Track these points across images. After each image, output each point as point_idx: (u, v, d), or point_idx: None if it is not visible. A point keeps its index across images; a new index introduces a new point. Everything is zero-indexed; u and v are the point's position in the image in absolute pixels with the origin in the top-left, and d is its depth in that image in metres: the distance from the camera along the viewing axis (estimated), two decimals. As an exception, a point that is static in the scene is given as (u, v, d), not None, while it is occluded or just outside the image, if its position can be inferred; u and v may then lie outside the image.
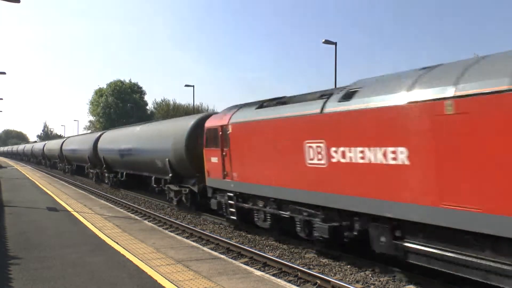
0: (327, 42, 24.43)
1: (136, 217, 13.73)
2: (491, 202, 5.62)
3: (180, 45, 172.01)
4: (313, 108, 8.86)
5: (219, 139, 12.42)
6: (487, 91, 5.66)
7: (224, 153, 12.21)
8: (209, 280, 6.50)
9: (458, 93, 6.02)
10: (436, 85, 6.46)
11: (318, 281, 7.61)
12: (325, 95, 8.92)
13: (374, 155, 7.29)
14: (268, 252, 9.94)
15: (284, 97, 11.11)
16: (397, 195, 6.94)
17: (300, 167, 9.08)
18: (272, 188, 10.15)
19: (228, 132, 11.89)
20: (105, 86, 67.17)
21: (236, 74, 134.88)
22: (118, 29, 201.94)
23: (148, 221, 13.87)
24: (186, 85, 40.90)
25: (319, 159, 8.56)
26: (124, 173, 23.79)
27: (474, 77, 5.99)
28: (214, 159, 12.87)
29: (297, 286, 7.53)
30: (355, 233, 8.16)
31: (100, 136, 28.27)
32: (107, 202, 18.09)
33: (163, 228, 12.34)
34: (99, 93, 67.42)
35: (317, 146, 8.58)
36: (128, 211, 15.81)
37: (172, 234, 10.70)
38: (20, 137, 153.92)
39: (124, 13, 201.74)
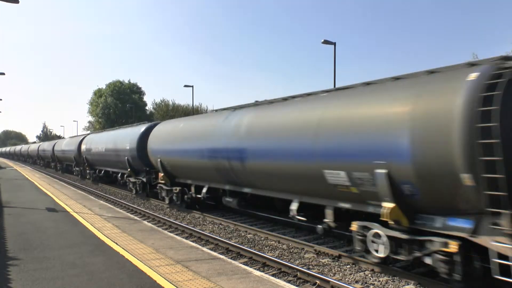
0: (326, 42, 24.42)
1: (135, 217, 13.72)
2: None
3: (179, 44, 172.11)
4: None
5: None
6: None
7: None
8: (208, 280, 6.50)
9: None
10: None
11: (318, 281, 7.62)
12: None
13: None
14: (267, 252, 9.95)
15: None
16: None
17: None
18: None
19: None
20: (104, 87, 67.19)
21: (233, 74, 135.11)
22: (117, 29, 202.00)
23: (148, 221, 13.88)
24: (185, 86, 40.99)
25: None
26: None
27: None
28: None
29: (297, 286, 7.54)
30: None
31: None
32: (106, 202, 18.08)
33: (163, 229, 12.34)
34: (98, 93, 67.36)
35: None
36: (127, 212, 15.81)
37: (171, 234, 10.70)
38: (20, 138, 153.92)
39: (123, 13, 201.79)
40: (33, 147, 69.35)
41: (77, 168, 35.90)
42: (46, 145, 54.23)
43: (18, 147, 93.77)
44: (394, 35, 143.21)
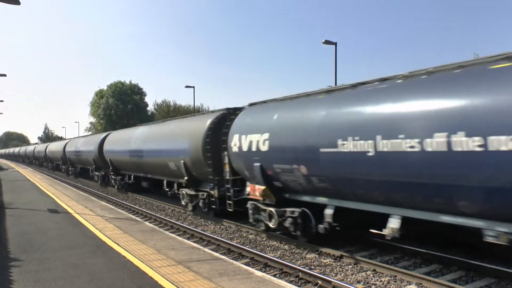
0: (327, 42, 24.40)
1: (137, 218, 13.72)
2: None
3: (180, 44, 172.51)
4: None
5: None
6: None
7: None
8: (209, 281, 6.49)
9: None
10: None
11: (319, 282, 7.60)
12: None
13: None
14: (269, 253, 9.93)
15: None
16: None
17: None
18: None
19: None
20: (105, 88, 67.28)
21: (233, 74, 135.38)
22: (118, 30, 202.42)
23: (149, 222, 13.88)
24: (187, 86, 41.00)
25: None
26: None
27: None
28: None
29: (298, 286, 7.53)
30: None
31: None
32: (108, 203, 18.09)
33: (164, 229, 12.33)
34: (100, 94, 67.45)
35: None
36: (129, 213, 15.81)
37: (172, 235, 10.69)
38: (21, 139, 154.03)
39: (124, 14, 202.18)
40: (40, 148, 58.72)
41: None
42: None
43: (29, 148, 75.74)
44: (395, 34, 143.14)
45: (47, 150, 49.80)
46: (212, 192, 14.13)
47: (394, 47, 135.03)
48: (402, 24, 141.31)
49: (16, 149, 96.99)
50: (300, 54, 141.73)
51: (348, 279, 7.92)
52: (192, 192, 15.55)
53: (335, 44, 24.61)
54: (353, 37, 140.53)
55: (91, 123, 75.42)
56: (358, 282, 7.77)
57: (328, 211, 9.31)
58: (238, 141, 11.89)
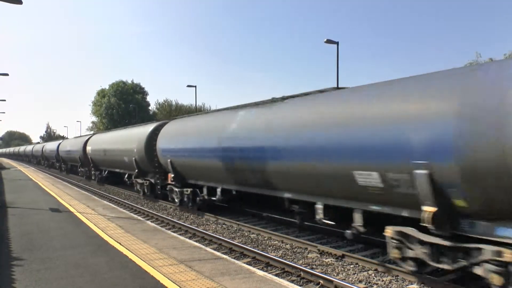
0: (329, 41, 24.38)
1: (139, 217, 13.73)
2: None
3: (181, 44, 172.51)
4: None
5: None
6: None
7: None
8: (211, 280, 6.49)
9: None
10: None
11: (321, 281, 7.60)
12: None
13: None
14: (270, 252, 9.94)
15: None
16: None
17: None
18: None
19: None
20: (107, 87, 67.32)
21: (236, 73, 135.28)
22: (118, 29, 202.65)
23: (151, 221, 13.89)
24: (188, 86, 40.95)
25: None
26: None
27: None
28: None
29: (300, 286, 7.53)
30: None
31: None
32: (109, 202, 18.11)
33: (166, 229, 12.34)
34: (102, 93, 67.50)
35: None
36: (130, 212, 15.83)
37: (174, 234, 10.70)
38: (23, 139, 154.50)
39: (125, 14, 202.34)
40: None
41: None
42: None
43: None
44: (399, 34, 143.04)
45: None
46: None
47: (397, 46, 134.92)
48: (408, 24, 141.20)
49: (29, 148, 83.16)
50: (305, 53, 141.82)
51: (350, 279, 7.92)
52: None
53: (337, 43, 24.59)
54: (359, 37, 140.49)
55: (93, 122, 75.57)
56: (360, 281, 7.77)
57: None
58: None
